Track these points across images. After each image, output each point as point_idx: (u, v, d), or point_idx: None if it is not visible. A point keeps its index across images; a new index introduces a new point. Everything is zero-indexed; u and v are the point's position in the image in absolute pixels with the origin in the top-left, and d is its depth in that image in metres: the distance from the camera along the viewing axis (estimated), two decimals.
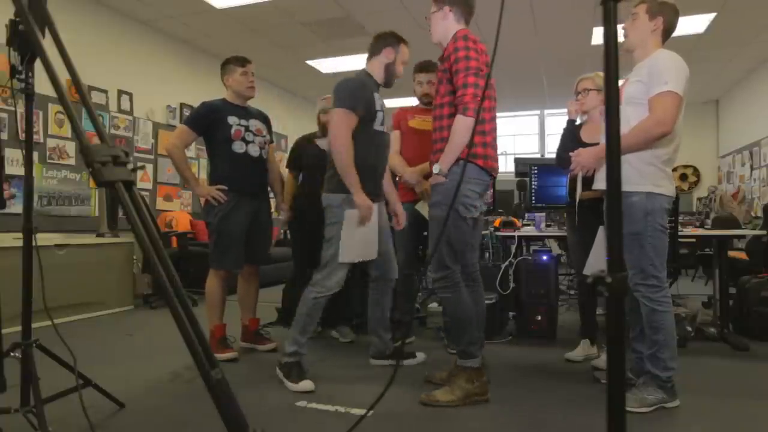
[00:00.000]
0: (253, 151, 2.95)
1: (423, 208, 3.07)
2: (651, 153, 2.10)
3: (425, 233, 3.19)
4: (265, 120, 3.11)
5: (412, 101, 3.43)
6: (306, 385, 2.35)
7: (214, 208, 2.85)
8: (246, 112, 2.99)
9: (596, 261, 2.44)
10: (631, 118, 2.10)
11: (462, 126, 2.11)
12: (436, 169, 2.18)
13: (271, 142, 3.15)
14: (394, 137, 3.25)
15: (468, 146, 2.10)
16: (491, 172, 2.24)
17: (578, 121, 3.06)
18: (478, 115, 2.08)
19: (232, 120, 2.89)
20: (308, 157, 3.37)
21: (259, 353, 3.06)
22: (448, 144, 2.16)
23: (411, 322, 3.62)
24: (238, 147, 2.89)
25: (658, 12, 2.15)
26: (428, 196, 3.02)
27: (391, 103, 8.59)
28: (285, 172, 3.56)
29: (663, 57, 2.09)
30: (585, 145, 2.83)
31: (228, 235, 2.85)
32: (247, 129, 2.93)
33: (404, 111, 3.32)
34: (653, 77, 2.05)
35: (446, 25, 2.27)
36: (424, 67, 3.25)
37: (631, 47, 2.21)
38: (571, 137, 2.86)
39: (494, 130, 2.29)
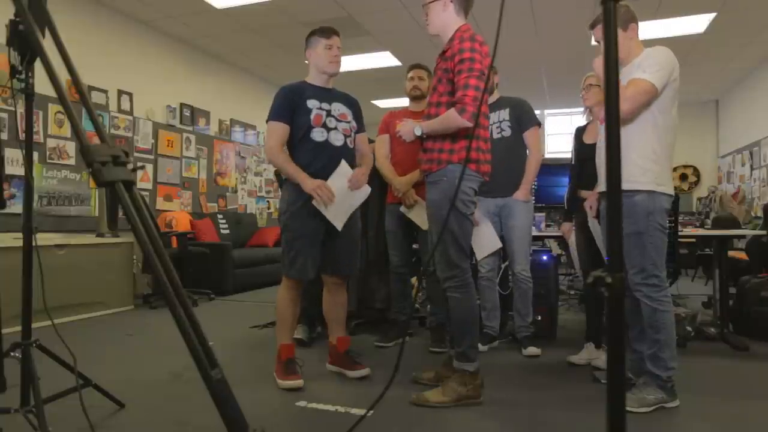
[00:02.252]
0: (336, 139, 2.51)
1: (409, 212, 3.08)
2: (653, 151, 2.10)
3: (416, 233, 3.21)
4: (351, 104, 2.65)
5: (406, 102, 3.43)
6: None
7: (285, 205, 2.48)
8: (329, 95, 2.57)
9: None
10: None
11: (453, 120, 2.11)
12: (417, 131, 2.23)
13: (362, 130, 2.71)
14: (383, 141, 3.27)
15: (466, 150, 2.09)
16: (483, 176, 2.23)
17: (584, 122, 3.07)
18: (477, 120, 2.06)
19: (311, 103, 2.49)
20: None
21: (259, 352, 3.05)
22: (437, 120, 2.19)
23: (408, 321, 3.61)
24: (318, 135, 2.48)
25: (625, 21, 2.18)
26: (415, 203, 3.04)
27: (387, 103, 8.61)
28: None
29: (652, 52, 2.13)
30: (587, 146, 2.84)
31: (298, 237, 2.44)
32: (329, 114, 2.52)
33: (393, 115, 3.34)
34: (639, 68, 2.10)
35: (446, 17, 2.23)
36: (416, 65, 3.34)
37: (620, 60, 2.22)
38: (579, 176, 2.93)
39: (486, 129, 2.29)
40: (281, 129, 2.48)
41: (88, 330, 3.69)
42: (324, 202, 2.38)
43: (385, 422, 2.00)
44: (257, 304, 4.82)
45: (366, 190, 2.56)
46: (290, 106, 2.48)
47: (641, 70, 2.06)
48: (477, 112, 2.05)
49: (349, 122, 2.59)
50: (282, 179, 2.62)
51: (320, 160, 2.48)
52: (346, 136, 2.56)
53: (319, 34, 2.55)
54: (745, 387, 2.46)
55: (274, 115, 2.49)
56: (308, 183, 2.38)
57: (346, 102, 2.63)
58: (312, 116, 2.48)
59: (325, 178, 2.46)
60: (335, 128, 2.53)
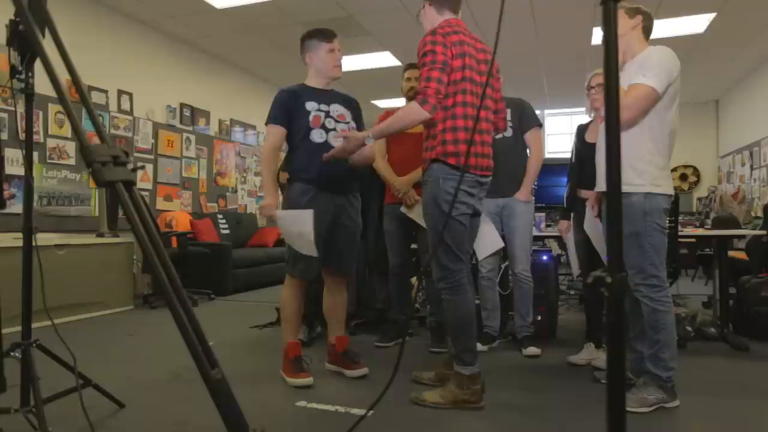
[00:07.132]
0: (336, 141, 2.49)
1: (409, 212, 3.08)
2: (648, 152, 2.10)
3: (414, 233, 3.21)
4: (349, 105, 2.65)
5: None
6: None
7: (288, 205, 2.51)
8: (327, 96, 2.58)
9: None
10: None
11: (411, 112, 2.06)
12: (369, 141, 2.21)
13: (362, 130, 2.65)
14: (379, 141, 3.25)
15: (451, 143, 2.07)
16: (475, 170, 2.12)
17: (587, 120, 3.07)
18: (480, 115, 2.04)
19: (310, 106, 2.51)
20: None
21: (259, 352, 3.05)
22: (392, 117, 2.14)
23: (407, 321, 3.61)
24: (318, 136, 2.49)
25: (636, 11, 2.20)
26: (416, 203, 3.03)
27: (387, 103, 8.60)
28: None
29: (651, 52, 2.11)
30: (589, 145, 2.83)
31: None
32: (327, 115, 2.53)
33: (389, 114, 3.30)
34: (639, 70, 2.08)
35: (429, 21, 2.23)
36: (411, 64, 3.29)
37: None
38: (578, 175, 2.92)
39: (489, 128, 2.26)
40: (277, 132, 2.50)
41: (88, 330, 3.69)
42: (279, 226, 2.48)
43: (385, 422, 2.00)
44: (257, 304, 4.82)
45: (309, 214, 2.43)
46: (287, 110, 2.50)
47: (641, 74, 2.04)
48: (437, 104, 2.02)
49: (347, 123, 2.59)
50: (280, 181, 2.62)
51: (318, 160, 2.44)
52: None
53: (319, 37, 2.54)
54: (745, 387, 2.46)
55: (270, 118, 2.52)
56: (266, 200, 2.48)
57: (345, 102, 2.63)
58: (311, 118, 2.50)
59: (325, 180, 2.46)
60: (334, 129, 2.53)
